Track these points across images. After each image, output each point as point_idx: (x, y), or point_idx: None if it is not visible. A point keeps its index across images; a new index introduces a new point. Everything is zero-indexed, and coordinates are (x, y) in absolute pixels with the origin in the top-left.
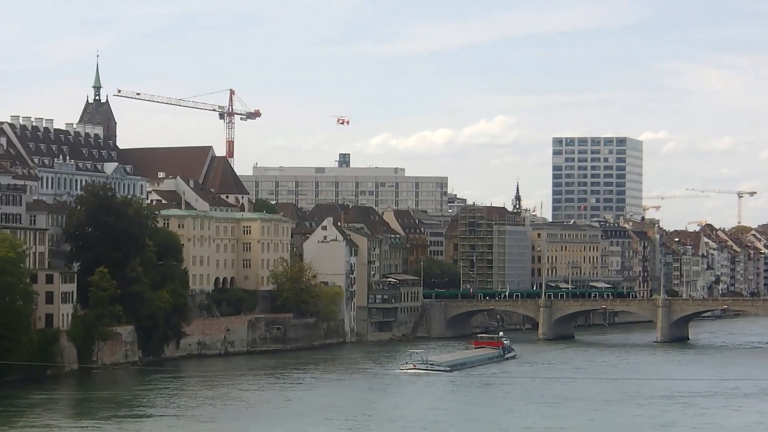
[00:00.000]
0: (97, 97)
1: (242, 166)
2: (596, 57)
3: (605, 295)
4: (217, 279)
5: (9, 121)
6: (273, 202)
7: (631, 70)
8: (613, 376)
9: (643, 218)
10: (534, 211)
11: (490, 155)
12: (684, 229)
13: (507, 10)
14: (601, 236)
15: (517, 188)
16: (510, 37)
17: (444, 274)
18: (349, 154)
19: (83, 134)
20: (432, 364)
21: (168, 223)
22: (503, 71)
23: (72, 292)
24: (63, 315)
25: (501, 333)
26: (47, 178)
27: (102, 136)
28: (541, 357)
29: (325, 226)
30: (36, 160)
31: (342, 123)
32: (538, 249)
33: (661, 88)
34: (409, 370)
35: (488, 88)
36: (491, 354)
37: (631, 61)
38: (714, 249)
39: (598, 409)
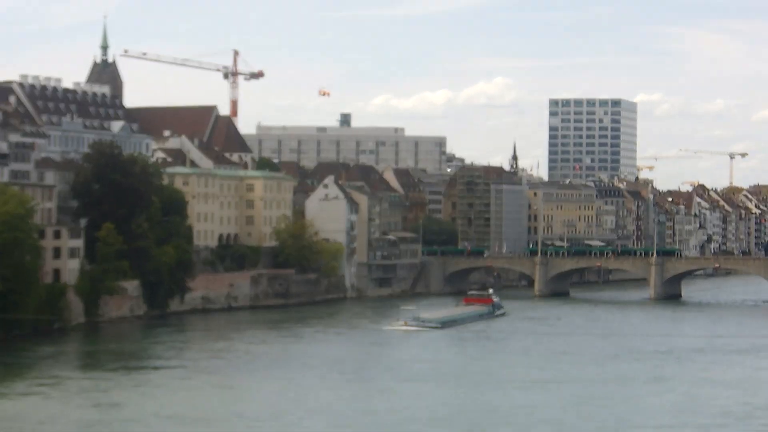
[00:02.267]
0: (104, 57)
1: (246, 125)
2: (594, 20)
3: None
4: (220, 235)
5: (18, 80)
6: (276, 161)
7: (628, 34)
8: (607, 332)
9: (637, 178)
10: (531, 170)
11: (489, 116)
12: (677, 189)
13: None
14: (596, 196)
15: (514, 148)
16: None
17: (442, 232)
18: (350, 114)
19: (90, 93)
20: (423, 321)
21: (173, 181)
22: (503, 33)
23: (79, 248)
24: (70, 270)
25: (491, 290)
26: (55, 135)
27: (109, 95)
28: (532, 314)
29: (327, 185)
30: (44, 118)
31: (324, 95)
32: (535, 208)
33: (656, 51)
34: (400, 327)
35: (488, 49)
36: (481, 311)
37: (628, 25)
38: (706, 209)
39: (593, 363)
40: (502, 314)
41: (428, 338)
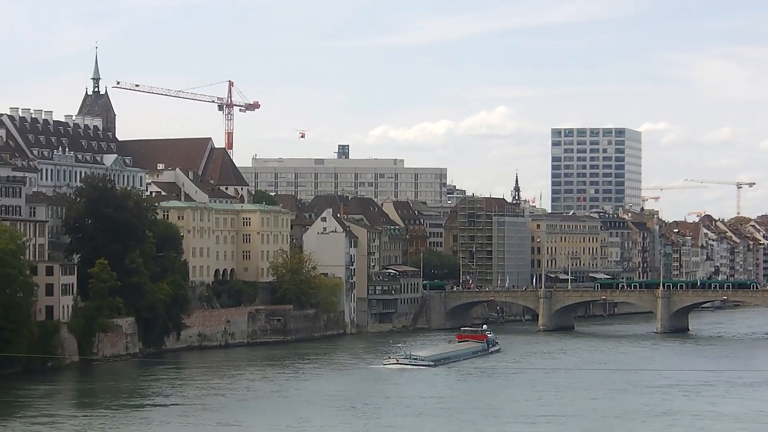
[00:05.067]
0: (96, 89)
1: (241, 158)
2: (597, 48)
3: (724, 286)
4: (216, 270)
5: (8, 113)
6: (272, 194)
7: (632, 61)
8: (613, 367)
9: (642, 209)
10: (533, 202)
11: (490, 146)
12: (683, 220)
13: (508, 2)
14: (601, 227)
15: (516, 179)
16: (511, 28)
17: (443, 266)
18: (348, 146)
19: (82, 126)
20: (415, 359)
21: (167, 215)
22: (504, 62)
23: (72, 284)
24: (63, 307)
25: (485, 326)
26: (47, 169)
27: (101, 128)
28: (530, 349)
29: (325, 218)
30: (35, 152)
31: (302, 137)
32: (538, 240)
33: (661, 79)
34: (392, 365)
35: (489, 78)
36: (475, 348)
37: (632, 52)
38: (713, 240)
39: (598, 397)
40: (497, 351)
41: (423, 375)
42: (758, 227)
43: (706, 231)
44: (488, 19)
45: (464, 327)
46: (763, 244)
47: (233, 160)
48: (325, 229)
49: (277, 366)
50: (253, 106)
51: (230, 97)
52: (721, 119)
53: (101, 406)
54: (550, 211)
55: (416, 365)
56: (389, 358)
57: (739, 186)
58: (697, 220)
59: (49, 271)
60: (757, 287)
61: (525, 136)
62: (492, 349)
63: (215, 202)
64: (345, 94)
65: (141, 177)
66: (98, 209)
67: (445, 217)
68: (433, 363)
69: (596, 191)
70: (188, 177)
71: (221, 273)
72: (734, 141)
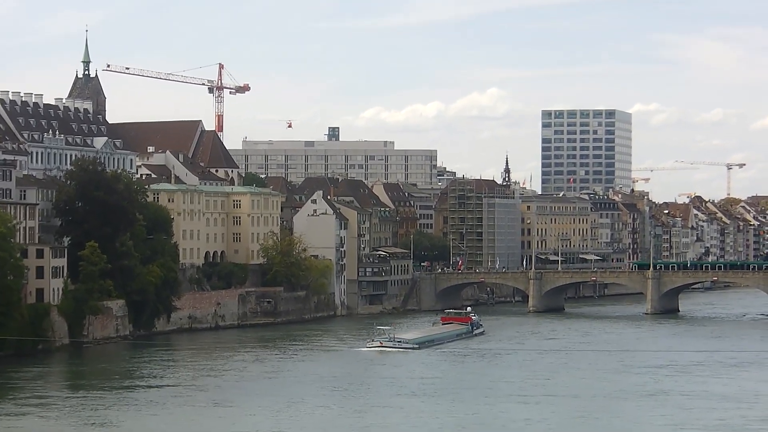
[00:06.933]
0: (86, 72)
1: (232, 140)
2: (589, 29)
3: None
4: (207, 253)
5: None
6: (263, 176)
7: (623, 43)
8: (603, 348)
9: (632, 190)
10: (523, 183)
11: (481, 128)
12: (673, 201)
13: None
14: (591, 208)
15: (507, 161)
16: (503, 9)
17: (434, 247)
18: (338, 128)
19: (73, 109)
20: (399, 342)
21: (158, 198)
22: (496, 43)
23: (62, 267)
24: (53, 289)
25: (469, 308)
26: (37, 152)
27: (91, 111)
28: (515, 331)
29: (315, 200)
30: (26, 135)
31: (289, 126)
32: (528, 221)
33: (653, 60)
34: (375, 348)
35: (481, 60)
36: (459, 330)
37: (624, 34)
38: (703, 221)
39: (589, 378)
40: (481, 333)
41: (409, 358)
42: (748, 208)
43: (696, 212)
44: (480, 1)
45: (449, 309)
46: (753, 225)
47: (223, 143)
48: (315, 211)
49: (268, 348)
50: (243, 89)
51: (220, 80)
52: (713, 100)
53: (93, 387)
54: (540, 193)
55: (400, 348)
56: (373, 340)
57: (729, 167)
58: (687, 201)
59: (40, 254)
60: None
61: (516, 118)
62: (476, 331)
63: (205, 184)
64: (335, 76)
65: (131, 160)
66: (88, 192)
67: (436, 199)
68: (417, 345)
69: (586, 173)
70: (178, 160)
71: (211, 255)
72: (726, 122)
